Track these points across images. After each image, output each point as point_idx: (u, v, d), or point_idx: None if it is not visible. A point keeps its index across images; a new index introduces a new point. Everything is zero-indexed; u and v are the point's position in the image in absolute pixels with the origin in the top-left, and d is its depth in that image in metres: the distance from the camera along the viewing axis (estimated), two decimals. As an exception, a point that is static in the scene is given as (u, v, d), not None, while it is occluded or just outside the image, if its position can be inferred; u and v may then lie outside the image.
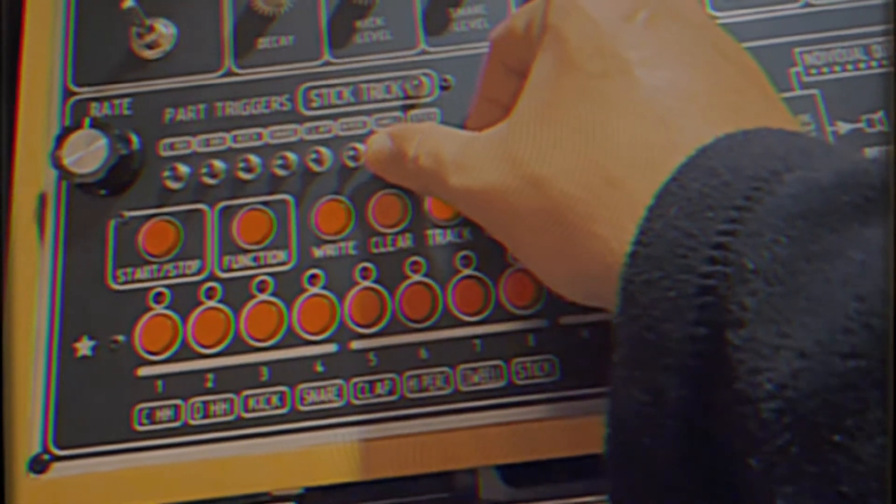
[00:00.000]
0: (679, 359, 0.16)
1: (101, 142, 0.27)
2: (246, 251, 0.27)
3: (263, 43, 0.30)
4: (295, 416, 0.25)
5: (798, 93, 0.29)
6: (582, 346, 0.26)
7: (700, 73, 0.20)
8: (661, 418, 0.16)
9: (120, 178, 0.28)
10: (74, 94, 0.29)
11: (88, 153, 0.27)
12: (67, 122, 0.29)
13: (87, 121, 0.27)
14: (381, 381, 0.26)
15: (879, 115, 0.28)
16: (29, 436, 0.25)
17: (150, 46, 0.30)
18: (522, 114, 0.22)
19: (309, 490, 0.30)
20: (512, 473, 0.28)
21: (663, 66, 0.20)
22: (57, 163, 0.27)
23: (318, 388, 0.26)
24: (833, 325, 0.13)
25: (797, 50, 0.29)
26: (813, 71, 0.29)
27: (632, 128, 0.19)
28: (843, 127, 0.28)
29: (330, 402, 0.25)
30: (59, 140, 0.27)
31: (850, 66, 0.29)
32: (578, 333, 0.26)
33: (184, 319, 0.26)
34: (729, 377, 0.15)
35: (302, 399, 0.25)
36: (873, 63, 0.29)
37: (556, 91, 0.21)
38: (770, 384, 0.14)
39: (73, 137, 0.27)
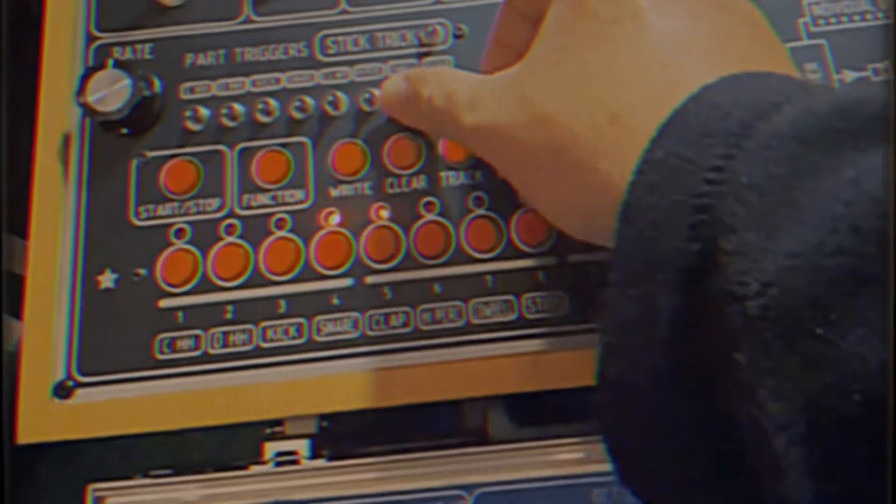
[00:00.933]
0: (672, 274, 0.16)
1: (125, 82, 0.28)
2: (264, 190, 0.28)
3: (282, -8, 0.31)
4: (311, 346, 0.26)
5: (805, 42, 0.29)
6: (589, 283, 0.27)
7: (707, 21, 0.21)
8: (652, 331, 0.16)
9: (142, 118, 0.28)
10: (97, 38, 0.30)
11: (112, 92, 0.27)
12: (91, 65, 0.30)
13: (110, 62, 0.28)
14: (396, 313, 0.26)
15: (885, 63, 0.28)
16: (53, 363, 0.26)
17: (171, -6, 0.30)
18: (535, 57, 0.23)
19: (323, 430, 0.30)
20: (520, 412, 0.29)
21: (672, 13, 0.21)
22: (81, 101, 0.27)
23: (334, 319, 0.26)
24: (821, 228, 0.14)
25: (805, 1, 0.30)
26: (821, 21, 0.29)
27: (638, 69, 0.20)
28: (850, 75, 0.29)
29: (346, 332, 0.26)
30: (84, 79, 0.28)
31: (857, 17, 0.29)
32: (587, 271, 0.27)
33: (204, 254, 0.27)
34: (720, 283, 0.15)
35: (318, 330, 0.26)
36: (880, 14, 0.29)
37: (568, 35, 0.22)
38: (757, 283, 0.14)
39: (98, 77, 0.28)
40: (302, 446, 0.30)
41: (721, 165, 0.16)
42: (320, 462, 0.30)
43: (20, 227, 0.29)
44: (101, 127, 0.28)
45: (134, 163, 0.28)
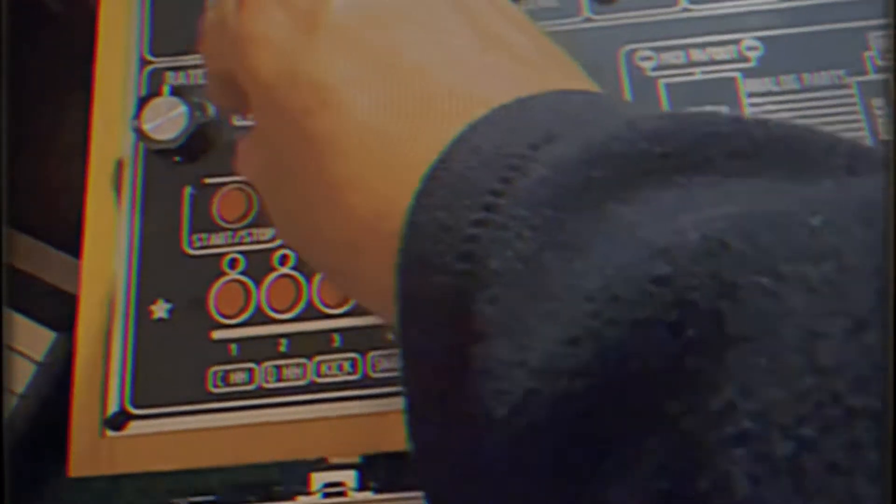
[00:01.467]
0: (429, 369, 0.14)
1: (181, 109, 0.27)
2: (318, 220, 0.28)
3: (334, 18, 0.30)
4: (366, 382, 0.26)
5: (871, 77, 0.28)
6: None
7: (441, 52, 0.17)
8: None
9: (196, 145, 0.28)
10: (150, 63, 0.30)
11: (168, 120, 0.27)
12: (144, 91, 0.30)
13: (166, 88, 0.28)
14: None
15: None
16: (106, 395, 0.26)
17: (224, 19, 0.30)
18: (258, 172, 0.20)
19: (369, 459, 0.30)
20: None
21: (377, 72, 0.17)
22: (137, 129, 0.27)
23: (390, 356, 0.26)
24: (562, 335, 0.11)
25: (872, 34, 0.29)
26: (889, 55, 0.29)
27: (362, 165, 0.16)
28: (919, 112, 0.28)
29: (401, 369, 0.26)
30: (139, 106, 0.27)
31: (926, 51, 0.29)
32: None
33: (257, 285, 0.27)
34: (470, 403, 0.13)
35: (373, 366, 0.26)
36: (950, 48, 0.28)
37: (270, 147, 0.19)
38: (504, 408, 0.12)
39: (153, 104, 0.27)
40: (349, 477, 0.30)
41: (475, 234, 0.13)
42: (368, 494, 0.29)
43: (74, 251, 0.29)
44: (156, 154, 0.28)
45: (187, 190, 0.28)
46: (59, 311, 0.52)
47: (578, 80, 0.18)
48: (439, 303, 0.14)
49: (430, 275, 0.14)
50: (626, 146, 0.13)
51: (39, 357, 0.52)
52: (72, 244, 0.51)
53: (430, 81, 0.16)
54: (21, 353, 0.52)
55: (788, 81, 0.28)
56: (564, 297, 0.12)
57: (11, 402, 0.51)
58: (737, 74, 0.28)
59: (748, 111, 0.28)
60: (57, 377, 0.52)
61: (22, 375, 0.51)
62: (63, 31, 0.56)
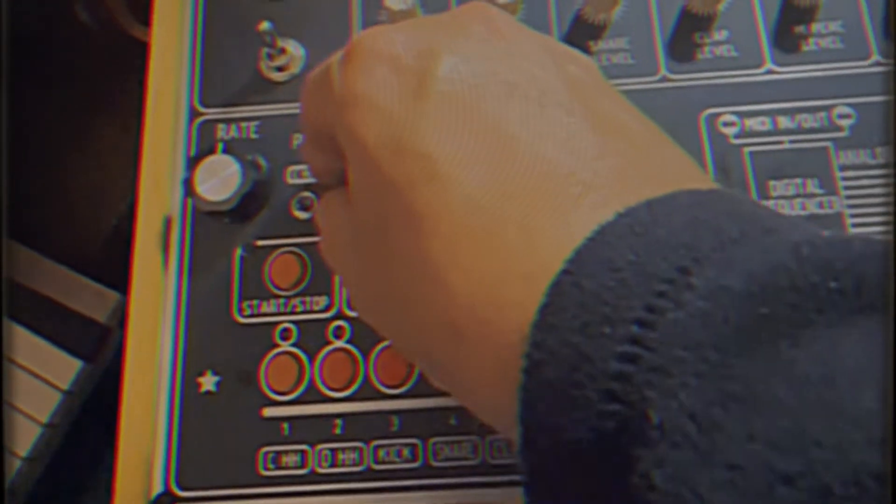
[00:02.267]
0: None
1: (234, 168, 0.26)
2: (376, 290, 0.26)
3: (394, 68, 0.29)
4: (427, 471, 0.24)
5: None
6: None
7: (552, 136, 0.16)
8: None
9: (249, 205, 0.27)
10: (201, 114, 0.29)
11: (221, 180, 0.26)
12: (194, 143, 0.28)
13: (219, 146, 0.26)
14: (519, 439, 0.24)
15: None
16: (150, 474, 0.24)
17: (279, 69, 0.29)
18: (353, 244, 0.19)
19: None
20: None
21: (487, 147, 0.15)
22: (190, 190, 0.26)
23: (453, 442, 0.24)
24: None
25: (973, 103, 0.27)
26: None
27: (468, 247, 0.15)
28: None
29: (464, 458, 0.24)
30: (192, 166, 0.26)
31: None
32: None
33: (311, 359, 0.25)
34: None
35: (435, 454, 0.24)
36: None
37: (364, 212, 0.18)
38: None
39: (206, 163, 0.26)
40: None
41: (623, 372, 0.12)
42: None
43: (120, 318, 0.28)
44: (207, 215, 0.27)
45: (238, 252, 0.27)
46: (86, 339, 0.51)
47: (694, 171, 0.17)
48: (577, 441, 0.13)
49: (564, 407, 0.13)
50: (796, 280, 0.12)
51: (66, 386, 0.51)
52: (102, 272, 0.50)
53: (543, 162, 0.15)
54: (47, 382, 0.51)
55: (885, 153, 0.26)
56: (748, 467, 0.10)
57: (37, 432, 0.50)
58: (828, 144, 0.26)
59: (840, 185, 0.26)
60: (83, 407, 0.51)
61: (47, 404, 0.50)
62: (95, 52, 0.55)
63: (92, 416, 0.52)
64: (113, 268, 0.50)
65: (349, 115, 0.17)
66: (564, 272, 0.14)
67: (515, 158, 0.15)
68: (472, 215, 0.15)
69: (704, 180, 0.17)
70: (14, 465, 0.48)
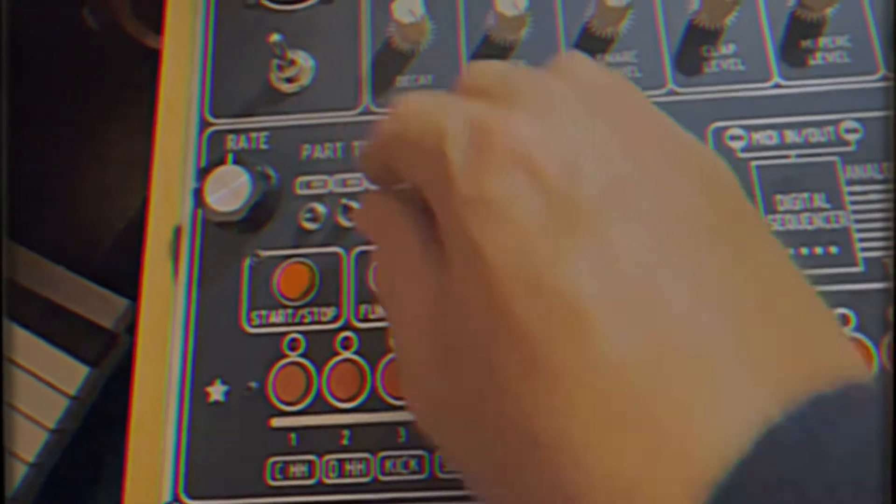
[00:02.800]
0: None
1: (243, 178, 0.26)
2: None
3: (402, 81, 0.29)
4: (433, 483, 0.24)
5: (981, 165, 0.26)
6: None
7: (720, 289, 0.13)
8: None
9: (258, 216, 0.27)
10: (211, 125, 0.29)
11: (231, 190, 0.26)
12: (204, 153, 0.28)
13: (229, 156, 0.26)
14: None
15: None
16: (159, 483, 0.25)
17: (289, 80, 0.29)
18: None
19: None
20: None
21: (641, 309, 0.13)
22: (200, 200, 0.26)
23: (459, 454, 0.24)
24: None
25: (980, 118, 0.27)
26: None
27: (602, 425, 0.13)
28: None
29: (471, 470, 0.24)
30: (202, 176, 0.26)
31: None
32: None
33: (319, 369, 0.25)
34: None
35: (442, 466, 0.24)
36: None
37: (471, 340, 0.15)
38: None
39: (216, 173, 0.26)
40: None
41: None
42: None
43: (127, 324, 0.28)
44: (217, 226, 0.27)
45: (247, 262, 0.27)
46: (93, 345, 0.51)
47: (843, 339, 0.15)
48: None
49: None
50: None
51: (72, 391, 0.51)
52: (109, 277, 0.51)
53: (704, 337, 0.13)
54: (54, 387, 0.51)
55: (889, 168, 0.26)
56: None
57: (43, 437, 0.50)
58: (835, 159, 0.26)
59: (847, 200, 0.26)
60: (88, 413, 0.51)
61: (54, 409, 0.50)
62: (102, 57, 0.56)
63: (96, 423, 0.52)
64: (120, 274, 0.50)
65: (473, 219, 0.15)
66: (725, 489, 0.11)
67: (672, 331, 0.13)
68: (619, 389, 0.13)
69: (853, 353, 0.15)
70: (20, 471, 0.49)
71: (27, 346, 0.50)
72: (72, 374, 0.51)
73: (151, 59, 0.54)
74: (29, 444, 0.49)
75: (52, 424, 0.49)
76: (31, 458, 0.49)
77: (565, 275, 0.14)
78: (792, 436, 0.12)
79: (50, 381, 0.51)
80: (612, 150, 0.15)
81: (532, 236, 0.14)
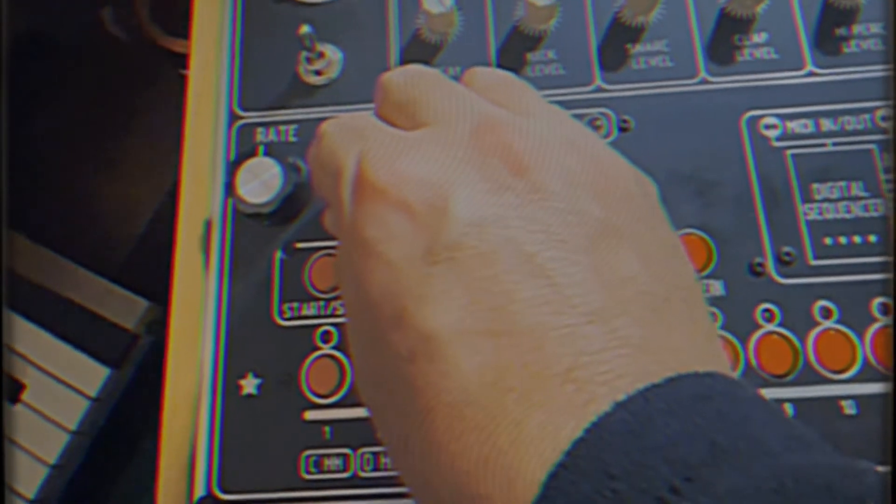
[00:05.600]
0: None
1: (275, 170, 0.26)
2: (416, 293, 0.26)
3: (431, 73, 0.29)
4: (470, 474, 0.24)
5: None
6: None
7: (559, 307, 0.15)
8: None
9: (289, 208, 0.27)
10: (240, 118, 0.29)
11: (262, 182, 0.26)
12: (233, 147, 0.28)
13: (260, 148, 0.26)
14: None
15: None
16: (193, 477, 0.24)
17: (317, 73, 0.29)
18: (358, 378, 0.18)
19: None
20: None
21: (490, 329, 0.15)
22: (231, 191, 0.26)
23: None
24: None
25: None
26: None
27: (462, 432, 0.15)
28: None
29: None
30: (233, 167, 0.26)
31: None
32: None
33: (351, 361, 0.25)
34: None
35: (478, 457, 0.24)
36: None
37: (372, 376, 0.17)
38: None
39: (247, 165, 0.26)
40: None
41: None
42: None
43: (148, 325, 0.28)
44: (248, 217, 0.27)
45: (278, 254, 0.27)
46: (114, 346, 0.51)
47: (703, 339, 0.16)
48: None
49: None
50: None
51: (93, 393, 0.51)
52: (130, 278, 0.51)
53: (544, 353, 0.14)
54: (75, 389, 0.51)
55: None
56: None
57: (65, 439, 0.50)
58: (872, 147, 0.26)
59: (885, 188, 0.25)
60: (109, 415, 0.51)
61: (75, 411, 0.50)
62: (125, 57, 0.56)
63: (117, 424, 0.52)
64: (141, 275, 0.50)
65: (356, 254, 0.17)
66: (553, 478, 0.13)
67: (518, 347, 0.15)
68: (467, 407, 0.14)
69: (713, 352, 0.16)
70: (42, 473, 0.49)
71: (47, 348, 0.50)
72: (92, 375, 0.51)
73: (171, 62, 0.54)
74: (50, 447, 0.49)
75: (73, 426, 0.49)
76: (52, 460, 0.49)
77: (423, 309, 0.15)
78: (615, 423, 0.13)
79: (71, 382, 0.50)
80: (481, 187, 0.16)
81: (400, 272, 0.16)
